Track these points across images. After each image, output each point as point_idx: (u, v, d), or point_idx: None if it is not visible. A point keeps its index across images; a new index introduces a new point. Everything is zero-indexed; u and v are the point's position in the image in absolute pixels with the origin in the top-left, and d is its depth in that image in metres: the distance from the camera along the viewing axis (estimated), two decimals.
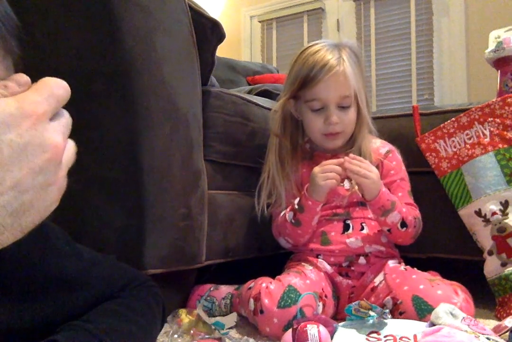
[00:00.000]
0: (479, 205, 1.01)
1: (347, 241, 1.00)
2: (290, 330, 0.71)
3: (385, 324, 0.71)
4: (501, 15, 2.68)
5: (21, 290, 0.49)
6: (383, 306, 0.86)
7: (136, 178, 0.82)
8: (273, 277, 0.91)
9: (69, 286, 0.53)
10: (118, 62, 0.82)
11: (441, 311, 0.69)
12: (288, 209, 1.03)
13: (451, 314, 0.69)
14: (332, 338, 0.70)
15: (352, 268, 1.00)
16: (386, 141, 1.12)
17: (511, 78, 1.09)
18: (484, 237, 1.01)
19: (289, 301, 0.82)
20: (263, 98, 1.21)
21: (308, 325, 0.69)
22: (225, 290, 0.99)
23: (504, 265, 0.97)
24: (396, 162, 1.08)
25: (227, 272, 1.21)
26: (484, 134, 1.03)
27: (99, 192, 0.86)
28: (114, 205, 0.85)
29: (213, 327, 0.76)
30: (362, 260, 0.99)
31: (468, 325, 0.67)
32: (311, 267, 0.97)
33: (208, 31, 0.96)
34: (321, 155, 1.09)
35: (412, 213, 1.01)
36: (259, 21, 3.86)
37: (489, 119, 1.02)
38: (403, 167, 1.09)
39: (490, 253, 1.00)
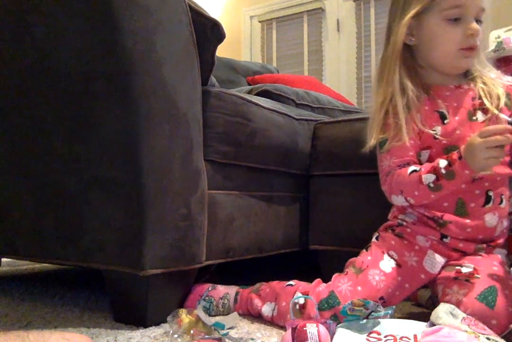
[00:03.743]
0: None
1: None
2: (290, 330, 0.71)
3: (385, 324, 0.71)
4: (501, 15, 2.68)
5: None
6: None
7: (136, 178, 0.83)
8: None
9: None
10: (118, 62, 0.82)
11: (441, 311, 0.69)
12: (424, 169, 0.86)
13: (451, 314, 0.69)
14: (331, 338, 0.70)
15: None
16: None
17: None
18: None
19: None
20: (263, 98, 1.21)
21: (307, 324, 0.69)
22: (222, 290, 0.99)
23: None
24: None
25: (227, 272, 1.21)
26: None
27: (99, 192, 0.86)
28: (114, 205, 0.85)
29: (213, 327, 0.76)
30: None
31: (468, 325, 0.67)
32: (393, 260, 0.89)
33: (208, 31, 0.96)
34: (441, 88, 0.94)
35: None
36: (259, 21, 3.87)
37: None
38: None
39: None
